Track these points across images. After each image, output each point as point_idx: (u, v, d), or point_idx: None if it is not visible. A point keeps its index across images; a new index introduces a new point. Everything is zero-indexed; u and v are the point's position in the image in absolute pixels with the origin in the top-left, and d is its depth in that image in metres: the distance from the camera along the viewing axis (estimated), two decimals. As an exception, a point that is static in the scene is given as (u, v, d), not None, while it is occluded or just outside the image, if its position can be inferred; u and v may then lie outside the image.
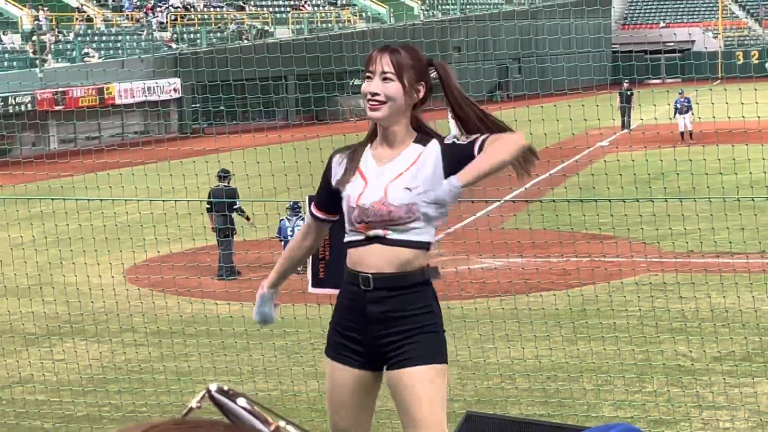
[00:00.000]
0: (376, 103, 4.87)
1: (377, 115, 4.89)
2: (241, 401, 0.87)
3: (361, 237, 4.93)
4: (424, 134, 5.01)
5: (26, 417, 10.31)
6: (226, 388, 0.89)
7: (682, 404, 10.01)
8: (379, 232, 4.88)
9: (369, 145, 5.05)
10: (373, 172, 4.94)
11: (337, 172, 5.05)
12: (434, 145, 4.95)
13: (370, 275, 4.89)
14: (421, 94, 4.97)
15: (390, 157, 4.95)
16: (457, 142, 4.91)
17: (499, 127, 5.02)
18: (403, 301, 4.91)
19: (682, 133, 34.29)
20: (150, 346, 12.81)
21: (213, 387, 0.88)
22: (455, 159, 4.83)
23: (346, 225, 4.99)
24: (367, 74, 4.92)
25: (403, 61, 4.90)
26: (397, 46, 5.00)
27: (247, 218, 17.79)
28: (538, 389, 10.67)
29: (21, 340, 13.00)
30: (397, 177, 4.89)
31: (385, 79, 4.87)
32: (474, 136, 4.90)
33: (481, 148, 4.81)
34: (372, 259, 4.90)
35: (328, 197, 5.07)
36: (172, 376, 11.38)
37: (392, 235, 4.87)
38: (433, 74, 5.06)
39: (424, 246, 4.93)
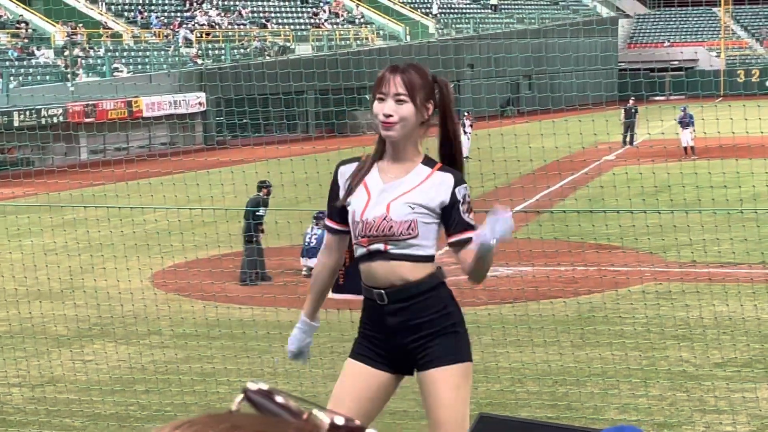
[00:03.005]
0: (392, 124, 4.87)
1: (392, 134, 4.88)
2: (279, 398, 0.87)
3: (364, 250, 4.95)
4: (431, 159, 5.01)
5: (56, 415, 10.33)
6: (265, 387, 0.89)
7: (685, 408, 9.98)
8: (380, 246, 4.89)
9: (377, 160, 5.05)
10: (377, 188, 4.93)
11: (343, 185, 5.06)
12: (447, 178, 4.93)
13: (383, 291, 4.91)
14: (430, 112, 4.96)
15: (397, 174, 4.94)
16: (463, 204, 4.90)
17: (456, 159, 5.05)
18: (419, 308, 4.92)
19: (685, 148, 34.21)
20: (175, 348, 12.82)
21: (251, 386, 0.89)
22: (451, 217, 4.89)
23: (352, 238, 5.02)
24: (380, 95, 4.88)
25: (415, 82, 4.88)
26: (407, 66, 4.96)
27: (261, 230, 17.63)
28: (547, 392, 10.66)
29: (52, 341, 13.04)
30: (402, 195, 4.90)
31: (398, 101, 4.85)
32: (467, 222, 4.90)
33: (460, 239, 4.88)
34: (379, 274, 4.92)
35: (338, 208, 5.08)
36: (196, 377, 11.39)
37: (393, 250, 4.88)
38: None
39: (425, 259, 4.93)
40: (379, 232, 4.88)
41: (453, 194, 4.90)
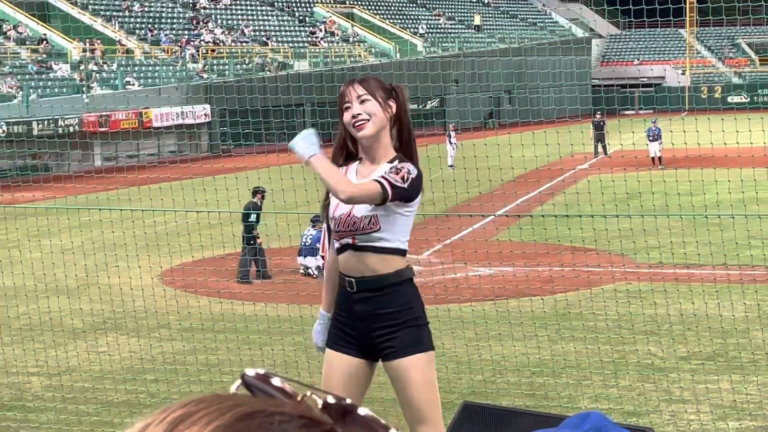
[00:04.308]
0: (362, 122, 4.89)
1: (366, 132, 4.90)
2: (275, 380, 0.88)
3: (337, 244, 5.01)
4: (400, 159, 5.00)
5: (72, 402, 10.31)
6: (262, 371, 0.90)
7: (652, 398, 10.00)
8: (349, 240, 4.93)
9: (358, 161, 5.06)
10: None
11: None
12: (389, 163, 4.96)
13: (353, 279, 4.95)
14: (393, 110, 4.96)
15: (368, 173, 4.96)
16: (391, 170, 4.87)
17: (411, 150, 5.01)
18: (384, 300, 4.94)
19: (652, 159, 34.26)
20: (182, 340, 12.81)
21: (249, 372, 0.89)
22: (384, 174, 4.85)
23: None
24: (345, 106, 4.92)
25: (372, 84, 4.96)
26: (361, 76, 5.05)
27: (256, 235, 17.42)
28: (526, 383, 10.67)
29: (68, 334, 13.03)
30: None
31: (362, 101, 4.89)
32: (397, 171, 4.85)
33: (385, 185, 4.81)
34: (351, 265, 4.96)
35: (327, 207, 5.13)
36: (202, 367, 11.39)
37: (359, 243, 4.92)
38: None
39: (393, 251, 4.93)
40: (345, 228, 4.93)
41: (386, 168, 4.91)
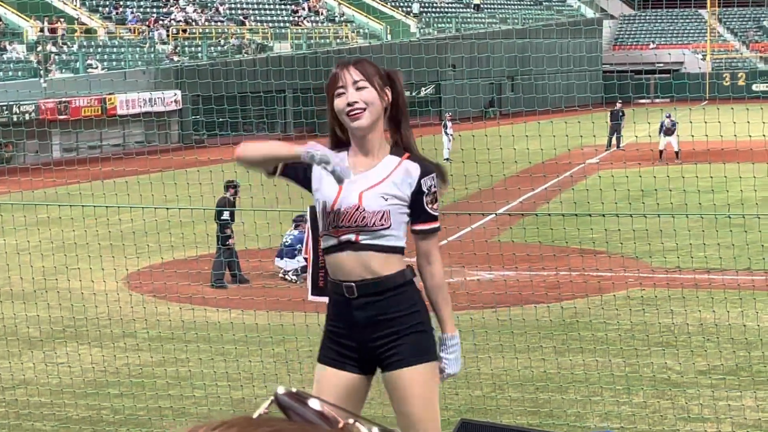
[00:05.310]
0: (358, 111, 4.88)
1: (362, 122, 4.90)
2: (313, 403, 0.87)
3: (334, 241, 4.96)
4: (399, 147, 5.05)
5: (27, 418, 10.31)
6: (294, 390, 0.88)
7: (669, 416, 10.03)
8: (351, 236, 4.91)
9: (347, 151, 5.04)
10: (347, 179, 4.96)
11: (316, 175, 5.04)
12: (415, 168, 4.98)
13: (353, 284, 4.92)
14: (389, 99, 4.98)
15: (366, 166, 4.96)
16: (427, 196, 4.98)
17: (410, 140, 5.08)
18: (388, 304, 4.93)
19: (660, 152, 34.51)
20: (149, 351, 12.82)
21: (281, 390, 0.88)
22: (416, 207, 4.98)
23: (321, 229, 5.03)
24: (339, 90, 4.91)
25: (369, 69, 4.95)
26: (356, 58, 5.05)
27: (229, 235, 17.41)
28: (529, 399, 10.69)
29: (23, 343, 13.02)
30: (373, 186, 4.92)
31: (358, 88, 4.88)
32: (431, 213, 5.02)
33: (423, 229, 5.03)
34: (349, 266, 4.92)
35: (296, 171, 5.06)
36: (171, 380, 11.39)
37: (364, 240, 4.90)
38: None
39: (396, 250, 4.96)
40: (351, 223, 4.90)
41: (419, 184, 4.96)
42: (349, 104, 4.87)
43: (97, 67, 45.01)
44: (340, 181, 4.75)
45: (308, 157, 4.72)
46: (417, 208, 4.98)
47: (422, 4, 69.08)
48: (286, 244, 17.81)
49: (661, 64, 73.05)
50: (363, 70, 4.92)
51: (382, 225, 4.89)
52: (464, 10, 71.58)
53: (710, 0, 73.54)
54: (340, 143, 5.07)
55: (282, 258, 17.88)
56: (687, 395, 10.59)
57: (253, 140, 5.02)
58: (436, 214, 5.03)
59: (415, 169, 4.97)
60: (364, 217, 4.89)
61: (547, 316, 13.77)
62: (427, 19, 66.21)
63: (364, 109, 4.88)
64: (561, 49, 57.80)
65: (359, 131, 4.93)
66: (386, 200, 4.90)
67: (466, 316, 13.69)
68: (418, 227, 5.02)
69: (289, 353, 12.25)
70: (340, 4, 64.43)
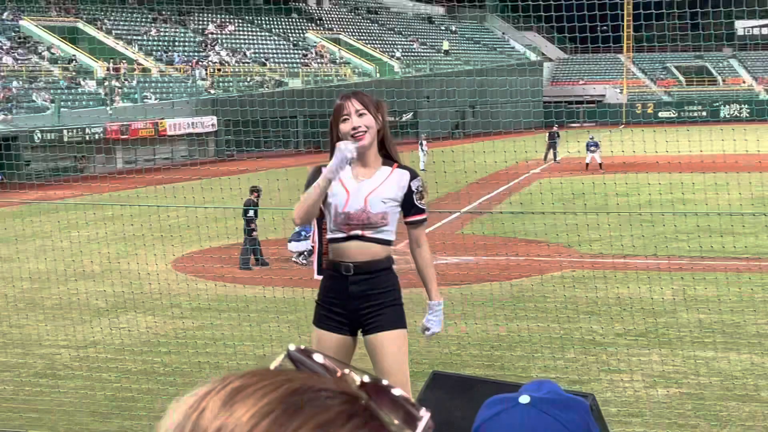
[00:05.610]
0: (361, 133, 4.87)
1: (365, 142, 4.88)
2: (317, 357, 0.86)
3: (343, 235, 4.94)
4: (389, 158, 5.04)
5: (97, 371, 10.26)
6: (302, 347, 0.88)
7: (593, 369, 10.02)
8: (358, 232, 4.91)
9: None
10: (353, 186, 4.94)
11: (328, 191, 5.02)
12: (405, 174, 5.00)
13: (351, 264, 4.92)
14: (381, 122, 4.98)
15: (366, 175, 4.96)
16: (416, 194, 4.99)
17: (396, 153, 5.06)
18: (376, 281, 4.94)
19: (587, 164, 34.57)
20: (191, 318, 12.77)
21: (292, 347, 0.87)
22: (408, 204, 4.97)
23: (330, 225, 4.99)
24: (344, 117, 4.89)
25: (366, 99, 4.95)
26: (355, 91, 5.04)
27: (254, 228, 17.34)
28: (485, 355, 10.67)
29: (93, 312, 12.97)
30: (374, 191, 4.92)
31: (360, 115, 4.88)
32: (419, 205, 5.01)
33: (414, 220, 5.01)
34: (352, 252, 4.92)
35: (321, 209, 5.06)
36: (208, 341, 11.35)
37: (369, 234, 4.91)
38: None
39: (389, 242, 4.99)
40: (359, 222, 4.90)
41: (409, 186, 4.98)
42: (353, 128, 4.87)
43: (151, 98, 44.84)
44: (352, 160, 4.70)
45: (336, 174, 4.73)
46: (408, 204, 4.99)
47: (403, 50, 68.93)
48: (295, 230, 17.78)
49: (588, 96, 73.12)
50: (362, 101, 4.92)
51: (383, 223, 4.91)
52: (436, 54, 71.43)
53: (626, 46, 73.48)
54: None
55: (291, 242, 17.81)
56: (608, 352, 10.59)
57: (297, 204, 4.89)
58: (423, 207, 5.04)
59: (405, 174, 5.00)
60: (369, 217, 4.90)
61: (499, 291, 13.77)
62: (408, 62, 66.05)
63: (366, 132, 4.88)
64: (511, 84, 57.84)
65: (362, 149, 4.92)
66: (385, 203, 4.92)
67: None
68: (410, 219, 5.03)
69: (300, 320, 12.22)
70: (339, 49, 64.29)
